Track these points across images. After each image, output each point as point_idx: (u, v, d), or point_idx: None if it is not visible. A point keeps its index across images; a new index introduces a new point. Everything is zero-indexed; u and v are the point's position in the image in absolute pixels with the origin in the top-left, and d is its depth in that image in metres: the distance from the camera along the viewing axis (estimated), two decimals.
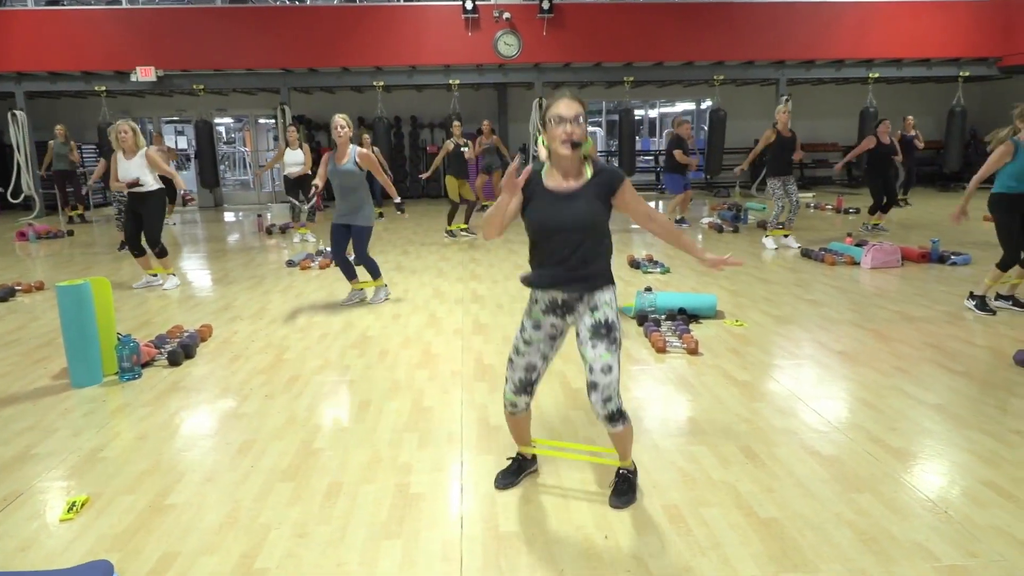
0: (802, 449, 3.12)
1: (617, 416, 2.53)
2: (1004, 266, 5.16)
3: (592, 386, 2.52)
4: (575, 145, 2.43)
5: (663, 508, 2.65)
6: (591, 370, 2.51)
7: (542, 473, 2.95)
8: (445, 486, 2.86)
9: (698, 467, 2.97)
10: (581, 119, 2.43)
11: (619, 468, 2.78)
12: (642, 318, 5.14)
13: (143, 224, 6.47)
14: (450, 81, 13.31)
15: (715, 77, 13.70)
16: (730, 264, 2.70)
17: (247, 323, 5.42)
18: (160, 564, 2.34)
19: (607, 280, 2.58)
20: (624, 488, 2.74)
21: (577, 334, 2.60)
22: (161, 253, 6.62)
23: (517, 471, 2.89)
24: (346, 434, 3.37)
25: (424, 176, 10.51)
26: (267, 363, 4.44)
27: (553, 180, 2.53)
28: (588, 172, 2.52)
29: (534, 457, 2.96)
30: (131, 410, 3.69)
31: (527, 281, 2.62)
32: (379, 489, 2.82)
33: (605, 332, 2.52)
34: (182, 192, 6.89)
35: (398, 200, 6.15)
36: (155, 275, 6.84)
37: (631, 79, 13.56)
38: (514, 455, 2.94)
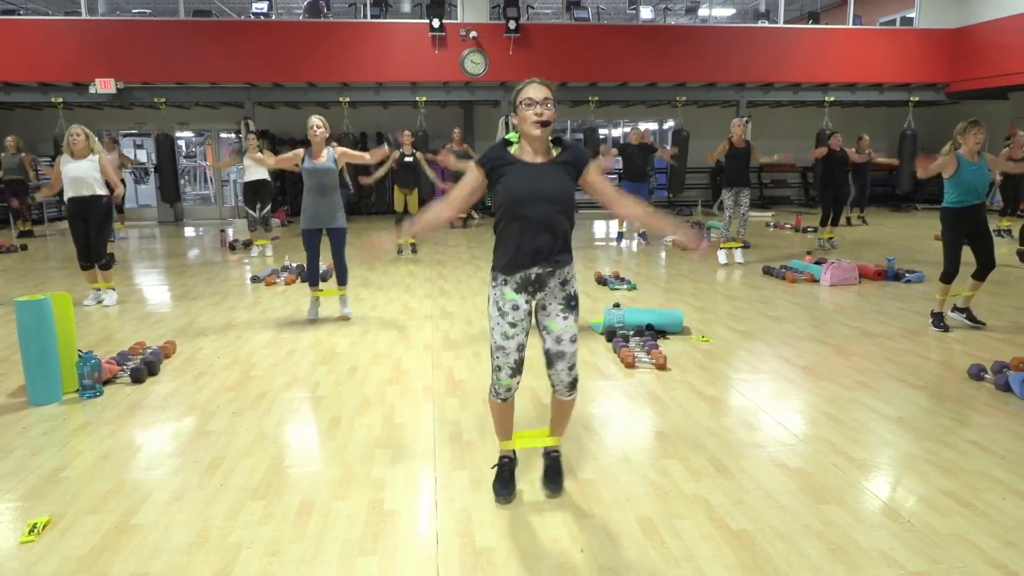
0: (770, 462, 3.19)
1: (575, 383, 2.75)
2: (946, 278, 5.35)
3: (559, 356, 2.68)
4: (544, 124, 2.52)
5: (637, 521, 2.68)
6: (559, 340, 2.67)
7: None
8: (419, 502, 2.85)
9: (669, 480, 3.01)
10: (550, 103, 2.53)
11: (552, 450, 2.95)
12: (611, 334, 5.19)
13: (90, 233, 6.25)
14: (417, 98, 13.34)
15: (677, 98, 13.99)
16: (700, 251, 2.83)
17: (212, 339, 5.33)
18: None
19: (571, 254, 2.69)
20: (558, 471, 2.92)
21: (543, 307, 2.69)
22: (106, 265, 6.44)
23: (511, 476, 2.90)
24: (317, 451, 3.34)
25: (365, 182, 9.53)
26: (234, 380, 4.37)
27: (526, 156, 2.61)
28: (555, 152, 2.62)
29: (515, 454, 2.98)
30: (93, 428, 3.60)
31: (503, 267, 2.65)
32: (352, 506, 2.79)
33: (574, 304, 2.70)
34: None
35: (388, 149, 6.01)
36: (98, 289, 6.58)
37: (596, 99, 13.77)
38: (498, 461, 2.93)
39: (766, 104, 15.64)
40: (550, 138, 2.59)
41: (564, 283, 2.66)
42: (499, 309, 2.66)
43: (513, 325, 2.65)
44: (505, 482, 2.86)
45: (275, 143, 15.40)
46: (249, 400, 4.01)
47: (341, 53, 12.70)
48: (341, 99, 13.25)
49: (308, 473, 3.09)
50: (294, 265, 8.18)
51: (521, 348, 2.69)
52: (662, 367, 4.53)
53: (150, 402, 3.99)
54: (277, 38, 12.63)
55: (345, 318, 5.89)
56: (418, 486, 2.98)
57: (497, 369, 2.71)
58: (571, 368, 2.71)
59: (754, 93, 14.36)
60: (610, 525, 2.66)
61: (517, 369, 2.70)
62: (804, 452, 3.29)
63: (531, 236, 2.56)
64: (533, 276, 2.61)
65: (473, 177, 2.63)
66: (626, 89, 14.03)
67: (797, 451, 3.30)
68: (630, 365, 4.57)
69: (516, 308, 2.65)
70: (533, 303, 2.71)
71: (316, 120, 5.50)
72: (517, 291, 2.64)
